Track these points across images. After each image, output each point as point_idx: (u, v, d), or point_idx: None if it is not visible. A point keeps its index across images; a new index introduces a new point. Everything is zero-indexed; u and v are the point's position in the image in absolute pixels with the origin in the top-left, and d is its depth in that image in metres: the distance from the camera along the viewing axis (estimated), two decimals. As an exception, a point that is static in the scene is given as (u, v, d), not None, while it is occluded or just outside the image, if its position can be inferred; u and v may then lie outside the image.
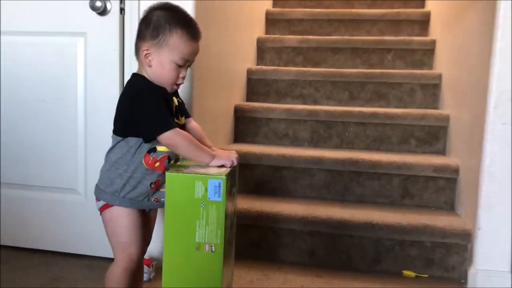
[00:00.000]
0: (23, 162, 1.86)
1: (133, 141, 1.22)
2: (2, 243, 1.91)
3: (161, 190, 1.26)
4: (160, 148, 1.24)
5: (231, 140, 2.39)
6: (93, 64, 1.76)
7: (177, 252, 1.15)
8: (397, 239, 1.81)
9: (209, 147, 1.30)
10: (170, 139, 1.18)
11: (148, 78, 1.23)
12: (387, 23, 3.03)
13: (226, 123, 2.29)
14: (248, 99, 2.66)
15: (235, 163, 1.26)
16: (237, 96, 2.48)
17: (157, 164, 1.24)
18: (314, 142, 2.39)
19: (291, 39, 2.87)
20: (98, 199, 1.28)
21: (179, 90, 1.34)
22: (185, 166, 1.21)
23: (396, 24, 3.03)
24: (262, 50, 2.90)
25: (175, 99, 1.31)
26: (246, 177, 2.16)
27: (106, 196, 1.25)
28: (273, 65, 2.84)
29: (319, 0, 3.37)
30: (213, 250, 1.13)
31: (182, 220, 1.13)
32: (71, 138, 1.80)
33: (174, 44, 1.19)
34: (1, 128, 1.87)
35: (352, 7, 3.29)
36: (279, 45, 2.87)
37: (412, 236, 1.80)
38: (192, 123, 1.38)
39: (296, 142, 2.40)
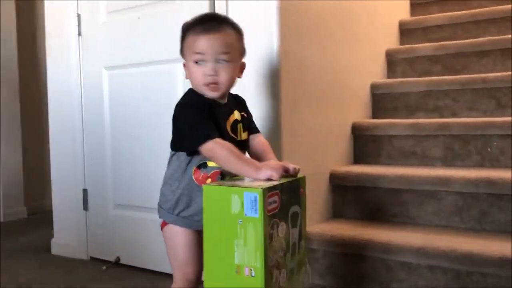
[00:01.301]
0: (134, 185, 1.97)
1: (183, 156, 1.16)
2: (122, 262, 2.03)
3: None
4: (210, 164, 1.16)
5: (349, 162, 2.17)
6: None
7: (217, 275, 1.02)
8: (547, 281, 1.38)
9: None
10: (209, 151, 1.09)
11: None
12: (552, 16, 2.48)
13: (340, 143, 2.09)
14: (375, 116, 2.41)
15: (292, 171, 1.09)
16: (356, 113, 2.26)
17: (209, 180, 1.16)
18: (448, 161, 2.01)
19: (425, 47, 2.54)
20: (159, 216, 1.24)
21: (250, 105, 1.29)
22: (235, 180, 1.09)
23: None
24: (393, 62, 2.63)
25: (236, 113, 1.22)
26: (359, 202, 1.92)
27: (162, 213, 1.21)
28: (406, 77, 2.55)
29: (466, 3, 2.93)
30: (253, 274, 0.98)
31: (221, 239, 1.01)
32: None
33: (188, 45, 1.16)
34: (113, 154, 2.02)
35: (507, 2, 2.79)
36: (411, 55, 2.57)
37: None
38: (258, 139, 1.28)
39: (425, 161, 2.06)
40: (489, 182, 1.68)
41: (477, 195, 1.72)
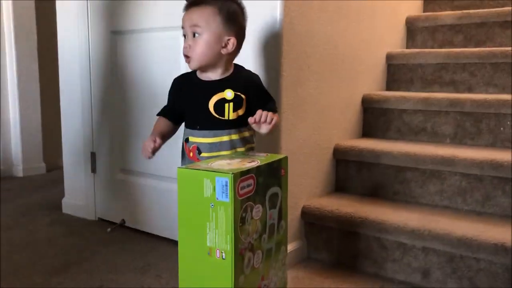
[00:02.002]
0: (139, 151, 1.98)
1: None
2: (127, 225, 2.08)
3: None
4: (191, 139, 1.25)
5: (358, 135, 2.13)
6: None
7: (190, 256, 1.04)
8: (542, 271, 1.34)
9: None
10: None
11: None
12: None
13: (349, 116, 2.04)
14: (388, 88, 2.33)
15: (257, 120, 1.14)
16: (369, 86, 2.19)
17: (191, 154, 1.24)
18: (459, 139, 1.95)
19: (448, 15, 2.41)
20: None
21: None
22: (211, 162, 1.09)
23: None
24: (413, 31, 2.51)
25: (228, 92, 1.22)
26: (363, 177, 1.89)
27: None
28: (426, 47, 2.44)
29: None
30: (223, 257, 0.99)
31: (194, 222, 1.02)
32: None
33: None
34: (120, 119, 2.04)
35: (544, -31, 2.59)
36: (432, 23, 2.44)
37: None
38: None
39: (435, 138, 2.00)
40: (493, 165, 1.62)
41: (481, 177, 1.67)
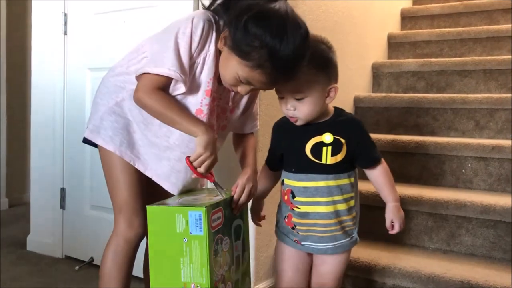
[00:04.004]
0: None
1: None
2: (95, 263, 2.04)
3: (299, 232, 1.26)
4: (286, 181, 1.27)
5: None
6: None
7: (163, 294, 1.04)
8: (505, 308, 1.40)
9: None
10: None
11: None
12: (537, 40, 2.51)
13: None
14: (356, 129, 2.43)
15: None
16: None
17: (285, 197, 1.25)
18: (424, 180, 2.04)
19: (411, 62, 2.56)
20: None
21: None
22: (177, 198, 1.13)
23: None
24: (378, 76, 2.65)
25: (325, 136, 1.21)
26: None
27: None
28: (391, 92, 2.57)
29: (454, 19, 2.95)
30: (200, 292, 1.00)
31: (167, 258, 1.03)
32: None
33: None
34: (92, 155, 2.02)
35: (496, 23, 2.81)
36: (397, 69, 2.59)
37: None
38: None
39: (402, 178, 2.08)
40: (458, 205, 1.71)
41: (446, 216, 1.75)
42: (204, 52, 1.13)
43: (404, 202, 1.80)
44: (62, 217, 2.15)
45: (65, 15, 2.10)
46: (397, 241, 1.83)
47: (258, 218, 1.35)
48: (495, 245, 1.67)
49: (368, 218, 1.87)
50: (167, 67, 1.07)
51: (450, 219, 1.75)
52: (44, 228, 2.21)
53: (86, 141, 1.25)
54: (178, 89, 1.12)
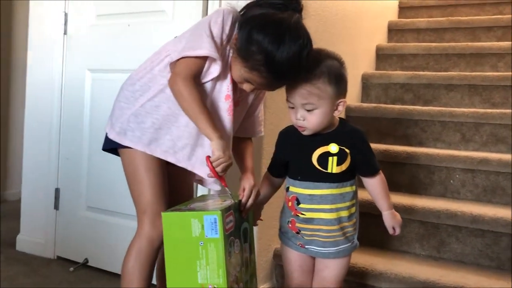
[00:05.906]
0: (107, 189, 1.98)
1: None
2: (90, 264, 2.03)
3: (304, 237, 1.30)
4: (291, 188, 1.31)
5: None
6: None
7: (181, 296, 1.08)
8: (496, 313, 1.50)
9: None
10: None
11: None
12: (517, 58, 2.65)
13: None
14: (347, 138, 2.50)
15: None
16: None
17: (290, 203, 1.30)
18: (414, 189, 2.13)
19: (400, 75, 2.66)
20: None
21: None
22: (187, 204, 1.17)
23: (529, 59, 2.63)
24: (368, 86, 2.74)
25: (331, 146, 1.27)
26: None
27: None
28: (379, 103, 2.66)
29: (439, 34, 3.08)
30: (216, 291, 1.04)
31: (183, 262, 1.08)
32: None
33: None
34: (89, 156, 2.04)
35: (478, 40, 2.95)
36: (386, 81, 2.68)
37: (516, 312, 1.46)
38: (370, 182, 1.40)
39: (391, 187, 2.16)
40: (449, 214, 1.80)
41: (437, 225, 1.84)
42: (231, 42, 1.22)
43: (397, 211, 1.84)
44: (56, 217, 2.14)
45: (65, 14, 2.09)
46: (390, 247, 1.91)
47: (255, 223, 1.40)
48: (483, 253, 1.77)
49: (361, 225, 1.95)
50: (206, 48, 1.15)
51: (441, 228, 1.84)
52: (36, 228, 2.19)
53: (106, 148, 1.27)
54: (212, 72, 1.20)
